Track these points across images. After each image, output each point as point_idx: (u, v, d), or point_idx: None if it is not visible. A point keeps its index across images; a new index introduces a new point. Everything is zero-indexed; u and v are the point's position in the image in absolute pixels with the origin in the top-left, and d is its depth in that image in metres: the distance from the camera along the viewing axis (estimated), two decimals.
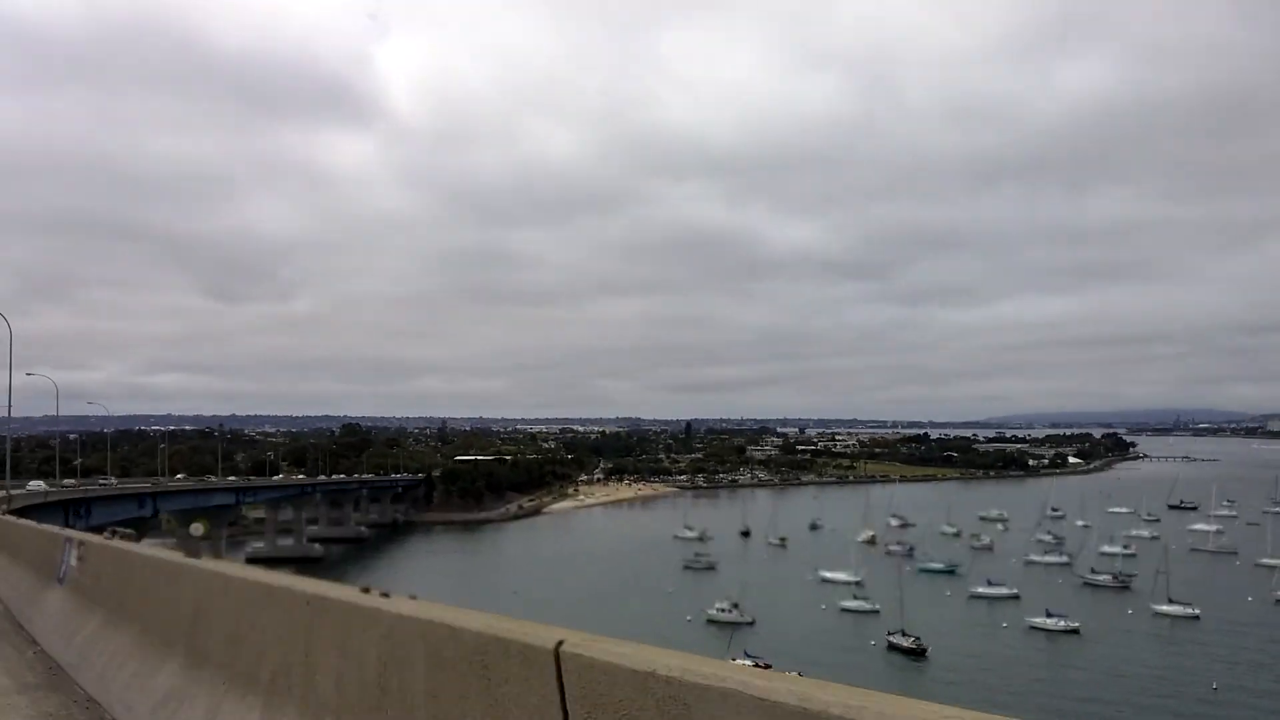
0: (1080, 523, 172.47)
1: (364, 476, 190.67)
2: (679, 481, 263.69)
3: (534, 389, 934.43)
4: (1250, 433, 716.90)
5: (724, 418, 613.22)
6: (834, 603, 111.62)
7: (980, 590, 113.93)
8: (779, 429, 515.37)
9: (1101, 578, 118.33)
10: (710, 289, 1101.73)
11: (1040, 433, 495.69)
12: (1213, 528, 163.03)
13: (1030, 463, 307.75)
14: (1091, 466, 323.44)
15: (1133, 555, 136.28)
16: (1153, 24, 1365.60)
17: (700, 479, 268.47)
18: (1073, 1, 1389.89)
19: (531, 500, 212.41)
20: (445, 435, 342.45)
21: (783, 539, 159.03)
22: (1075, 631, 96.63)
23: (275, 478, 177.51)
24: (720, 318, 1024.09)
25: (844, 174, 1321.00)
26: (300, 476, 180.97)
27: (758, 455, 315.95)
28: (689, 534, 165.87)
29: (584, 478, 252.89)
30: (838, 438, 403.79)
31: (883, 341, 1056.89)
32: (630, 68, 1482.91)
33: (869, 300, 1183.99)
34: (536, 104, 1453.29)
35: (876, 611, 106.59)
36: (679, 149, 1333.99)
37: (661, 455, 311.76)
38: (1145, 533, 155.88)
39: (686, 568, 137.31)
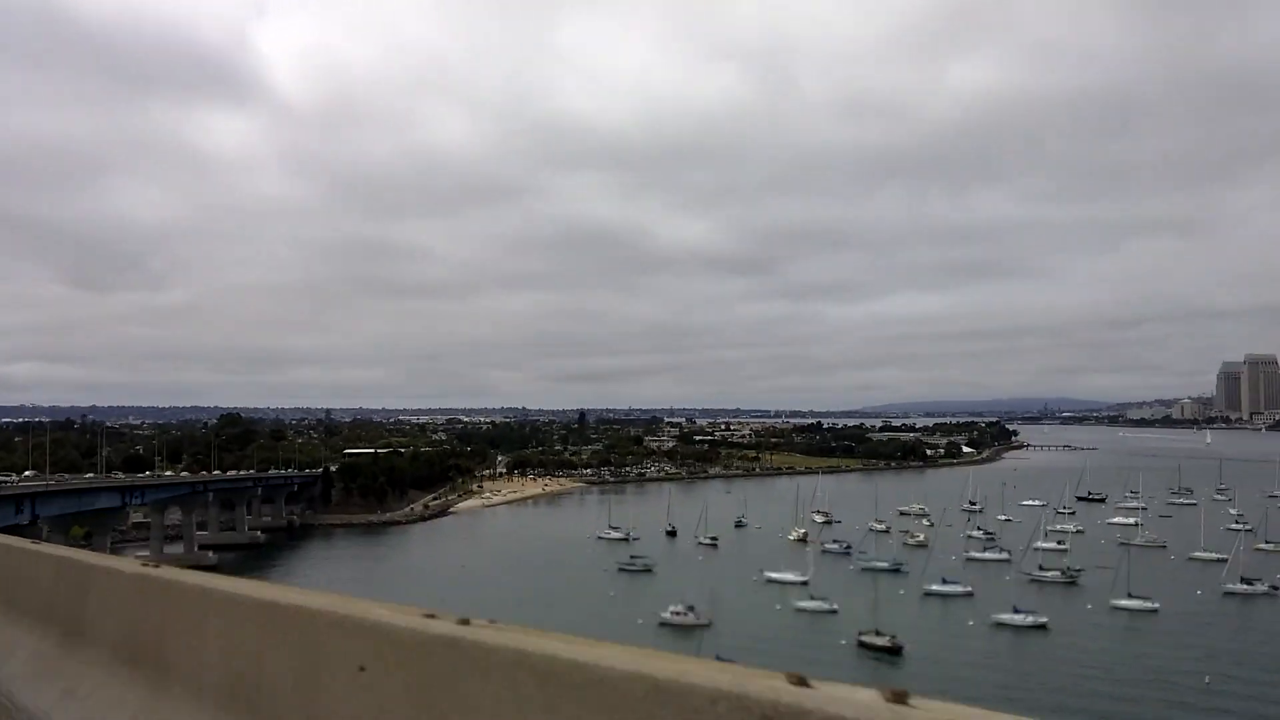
0: (1001, 516, 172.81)
1: (268, 473, 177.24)
2: (584, 475, 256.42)
3: (416, 379, 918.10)
4: (1112, 421, 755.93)
5: (610, 408, 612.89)
6: (788, 603, 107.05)
7: (935, 588, 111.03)
8: (667, 419, 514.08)
9: (1050, 574, 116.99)
10: (600, 283, 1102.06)
11: (926, 421, 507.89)
12: (1131, 520, 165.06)
13: (928, 453, 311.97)
14: (983, 456, 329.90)
15: (1066, 550, 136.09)
16: (1041, 24, 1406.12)
17: (606, 472, 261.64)
18: None
19: (436, 499, 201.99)
20: (331, 427, 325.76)
21: (714, 538, 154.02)
22: (1043, 627, 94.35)
23: (166, 475, 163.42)
24: (609, 311, 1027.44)
25: (738, 169, 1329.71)
26: (185, 474, 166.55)
27: (655, 446, 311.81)
28: (614, 534, 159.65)
29: (486, 472, 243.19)
30: (732, 427, 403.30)
31: (768, 334, 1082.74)
32: (528, 55, 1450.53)
33: (756, 295, 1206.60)
34: (431, 90, 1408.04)
35: (835, 611, 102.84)
36: (576, 140, 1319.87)
37: (559, 447, 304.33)
38: (1070, 527, 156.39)
39: (622, 570, 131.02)
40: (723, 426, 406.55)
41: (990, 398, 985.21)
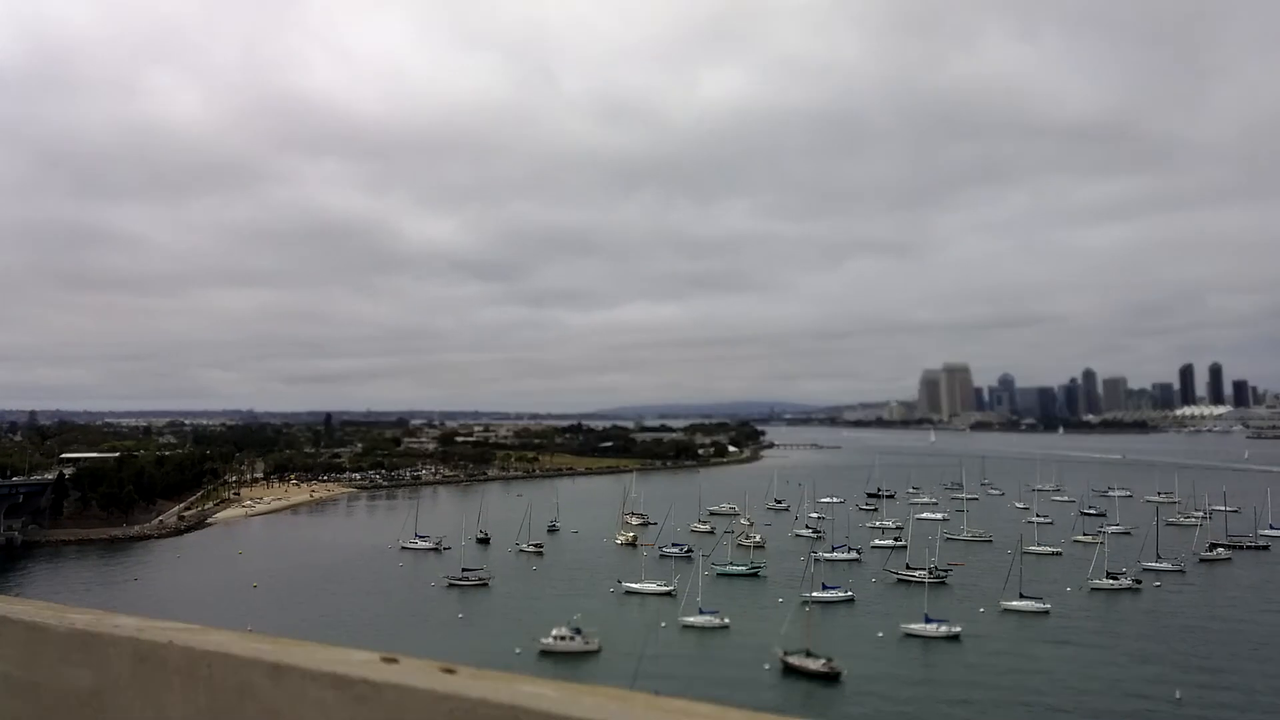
0: (814, 514, 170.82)
1: None
2: (353, 480, 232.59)
3: (122, 380, 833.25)
4: (832, 422, 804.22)
5: (347, 409, 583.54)
6: (671, 618, 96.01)
7: (816, 595, 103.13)
8: (411, 421, 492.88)
9: (918, 573, 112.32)
10: (335, 282, 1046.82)
11: (669, 423, 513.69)
12: (938, 515, 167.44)
13: (700, 452, 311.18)
14: (746, 456, 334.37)
15: (904, 546, 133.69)
16: (791, 40, 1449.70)
17: (377, 476, 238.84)
18: (727, 7, 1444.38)
19: (190, 509, 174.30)
20: (41, 430, 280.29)
21: (538, 545, 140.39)
22: (957, 638, 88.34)
23: None
24: (342, 311, 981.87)
25: (490, 165, 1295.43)
26: None
27: (418, 448, 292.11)
28: (421, 544, 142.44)
29: (245, 477, 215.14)
30: (490, 428, 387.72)
31: (507, 339, 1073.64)
32: (271, 25, 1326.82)
33: (497, 300, 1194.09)
34: (158, 56, 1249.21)
35: (726, 626, 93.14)
36: (320, 121, 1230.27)
37: (311, 449, 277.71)
38: (890, 523, 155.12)
39: (454, 585, 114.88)
40: (481, 428, 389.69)
41: (715, 401, 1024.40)
